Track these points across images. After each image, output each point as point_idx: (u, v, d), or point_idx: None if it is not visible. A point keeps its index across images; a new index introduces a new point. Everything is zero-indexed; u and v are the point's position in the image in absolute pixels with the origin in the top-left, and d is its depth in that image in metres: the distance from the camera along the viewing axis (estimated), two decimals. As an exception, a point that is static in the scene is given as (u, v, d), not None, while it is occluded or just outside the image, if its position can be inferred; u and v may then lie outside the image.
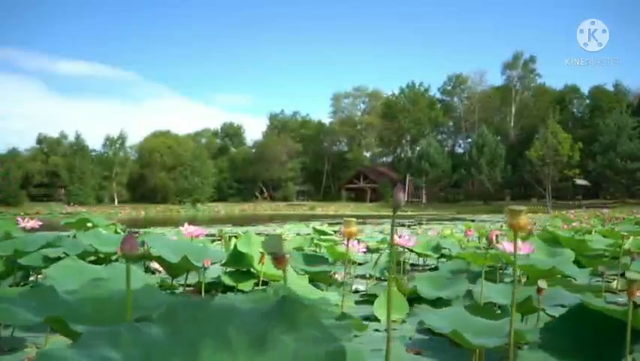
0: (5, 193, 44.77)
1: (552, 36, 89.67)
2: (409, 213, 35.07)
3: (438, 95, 58.84)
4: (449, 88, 56.98)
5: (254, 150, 66.63)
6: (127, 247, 0.77)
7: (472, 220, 16.70)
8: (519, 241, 2.37)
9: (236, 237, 3.44)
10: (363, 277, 3.72)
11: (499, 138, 50.67)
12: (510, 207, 0.95)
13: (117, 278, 1.49)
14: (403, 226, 13.62)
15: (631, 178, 39.51)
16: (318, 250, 4.17)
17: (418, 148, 52.31)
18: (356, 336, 2.18)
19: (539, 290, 1.51)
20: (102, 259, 2.24)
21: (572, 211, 21.67)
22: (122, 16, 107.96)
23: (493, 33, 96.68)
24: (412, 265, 4.34)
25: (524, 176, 43.75)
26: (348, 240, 1.28)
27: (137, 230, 4.54)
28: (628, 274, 1.03)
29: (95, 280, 1.22)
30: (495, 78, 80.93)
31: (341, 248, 2.88)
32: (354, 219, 1.37)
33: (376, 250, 4.46)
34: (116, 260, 1.99)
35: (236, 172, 63.71)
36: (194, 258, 2.05)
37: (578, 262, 3.24)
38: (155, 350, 0.70)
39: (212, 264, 2.05)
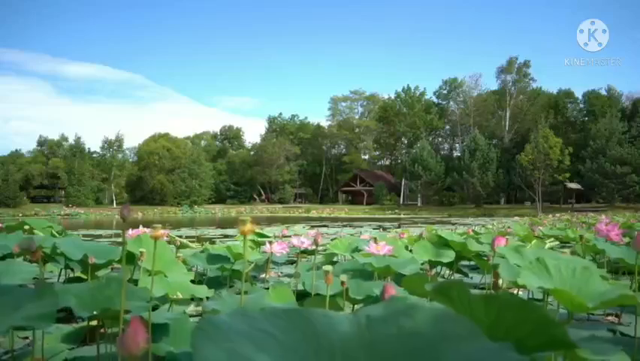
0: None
1: (551, 38, 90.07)
2: (402, 215, 35.45)
3: (434, 99, 59.22)
4: (445, 92, 57.32)
5: (252, 153, 67.01)
6: None
7: (453, 224, 17.03)
8: (382, 243, 2.75)
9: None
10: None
11: (494, 141, 50.96)
12: (240, 218, 1.29)
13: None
14: (384, 228, 13.98)
15: (621, 182, 39.80)
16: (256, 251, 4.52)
17: (414, 151, 52.70)
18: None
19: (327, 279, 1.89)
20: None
21: (558, 215, 21.96)
22: (129, 19, 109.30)
23: (491, 36, 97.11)
24: (345, 265, 4.71)
25: (514, 180, 44.11)
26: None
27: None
28: (324, 267, 1.39)
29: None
30: (492, 81, 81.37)
31: (240, 248, 3.24)
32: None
33: (312, 253, 4.81)
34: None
35: (235, 175, 64.12)
36: (97, 256, 2.46)
37: (474, 264, 3.63)
38: None
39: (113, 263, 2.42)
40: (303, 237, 3.28)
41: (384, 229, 13.56)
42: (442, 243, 3.36)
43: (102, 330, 2.02)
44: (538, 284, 1.36)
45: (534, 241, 4.14)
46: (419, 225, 16.41)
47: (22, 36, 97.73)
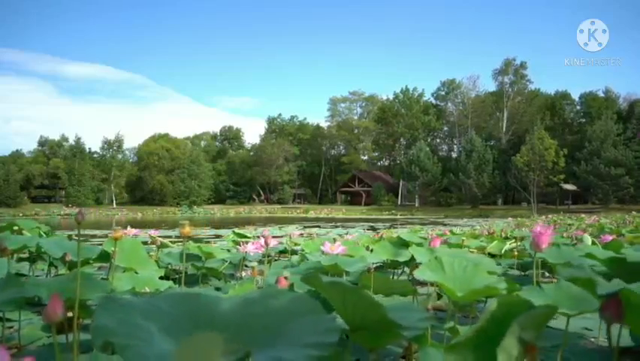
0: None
1: (550, 38, 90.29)
2: (398, 216, 35.69)
3: (432, 100, 59.47)
4: (443, 93, 57.59)
5: (252, 153, 67.26)
6: None
7: (445, 225, 17.27)
8: (337, 244, 3.00)
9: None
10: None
11: (491, 142, 51.20)
12: (180, 221, 1.55)
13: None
14: (375, 229, 14.22)
15: (615, 184, 40.00)
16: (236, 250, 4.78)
17: (411, 153, 52.97)
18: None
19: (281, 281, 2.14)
20: None
21: (551, 216, 22.21)
22: (129, 19, 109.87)
23: (490, 36, 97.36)
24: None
25: (510, 181, 44.37)
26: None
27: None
28: (253, 265, 1.65)
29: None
30: (491, 82, 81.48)
31: (210, 247, 3.50)
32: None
33: (295, 253, 5.08)
34: None
35: (234, 175, 64.40)
36: (75, 255, 2.72)
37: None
38: None
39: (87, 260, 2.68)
40: (261, 241, 3.56)
41: (375, 229, 13.81)
42: (401, 243, 3.62)
43: (78, 321, 2.29)
44: (431, 278, 1.62)
45: (495, 242, 4.40)
46: (413, 225, 16.67)
47: (22, 36, 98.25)
